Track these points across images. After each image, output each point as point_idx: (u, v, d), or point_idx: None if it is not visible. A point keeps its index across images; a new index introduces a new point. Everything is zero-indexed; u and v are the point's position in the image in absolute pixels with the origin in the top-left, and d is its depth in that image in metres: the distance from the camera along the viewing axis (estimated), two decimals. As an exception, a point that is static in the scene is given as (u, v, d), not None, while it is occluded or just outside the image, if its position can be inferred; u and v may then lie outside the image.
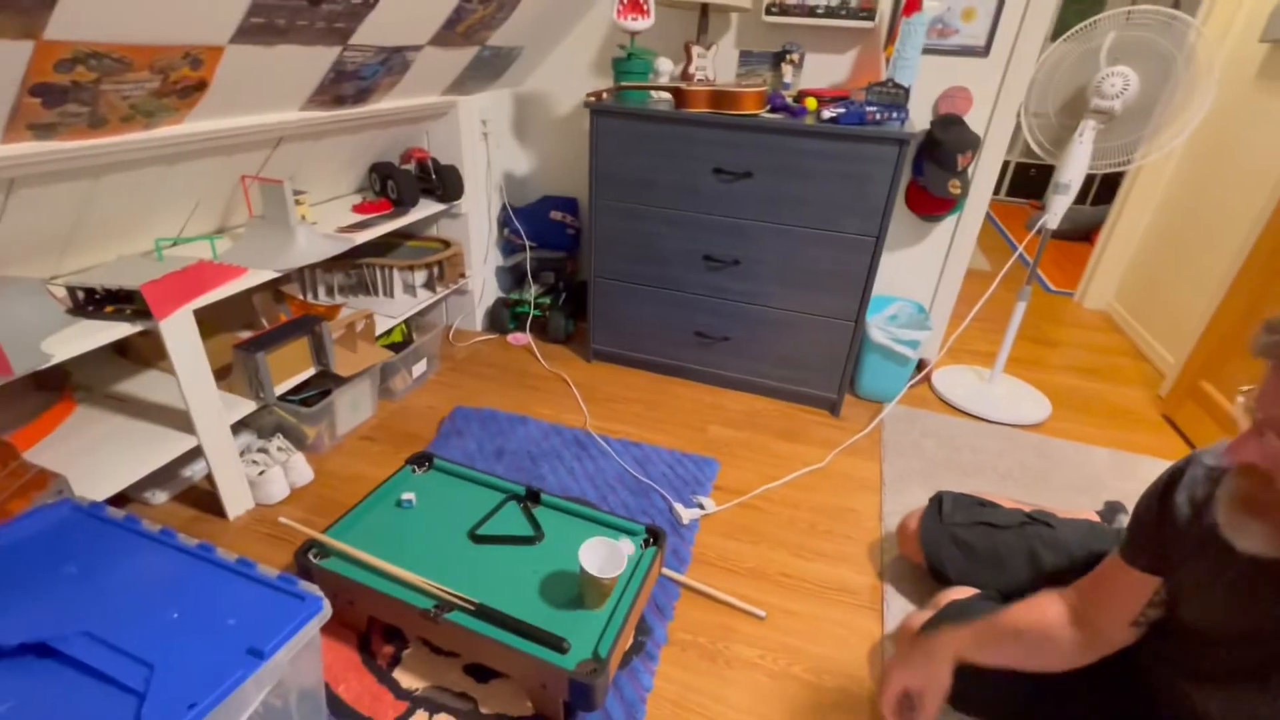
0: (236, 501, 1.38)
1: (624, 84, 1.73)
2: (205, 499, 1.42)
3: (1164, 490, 0.76)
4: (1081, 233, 3.73)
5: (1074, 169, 1.61)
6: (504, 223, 2.26)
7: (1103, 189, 4.43)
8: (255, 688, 0.74)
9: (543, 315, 2.20)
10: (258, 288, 1.46)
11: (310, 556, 1.10)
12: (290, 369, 1.48)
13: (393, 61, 1.46)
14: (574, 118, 2.18)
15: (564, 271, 2.28)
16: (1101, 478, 1.64)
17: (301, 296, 1.81)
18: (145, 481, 1.33)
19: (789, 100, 1.67)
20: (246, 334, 1.54)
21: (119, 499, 1.36)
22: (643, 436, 1.73)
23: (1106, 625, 0.80)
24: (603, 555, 1.03)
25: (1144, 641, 0.81)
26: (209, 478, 1.35)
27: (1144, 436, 1.88)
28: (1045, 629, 0.83)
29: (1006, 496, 1.31)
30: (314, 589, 0.84)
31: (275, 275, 1.33)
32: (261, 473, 1.42)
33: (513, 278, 2.36)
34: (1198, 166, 2.31)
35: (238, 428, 1.51)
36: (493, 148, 2.13)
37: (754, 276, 1.77)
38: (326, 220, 1.67)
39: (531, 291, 2.23)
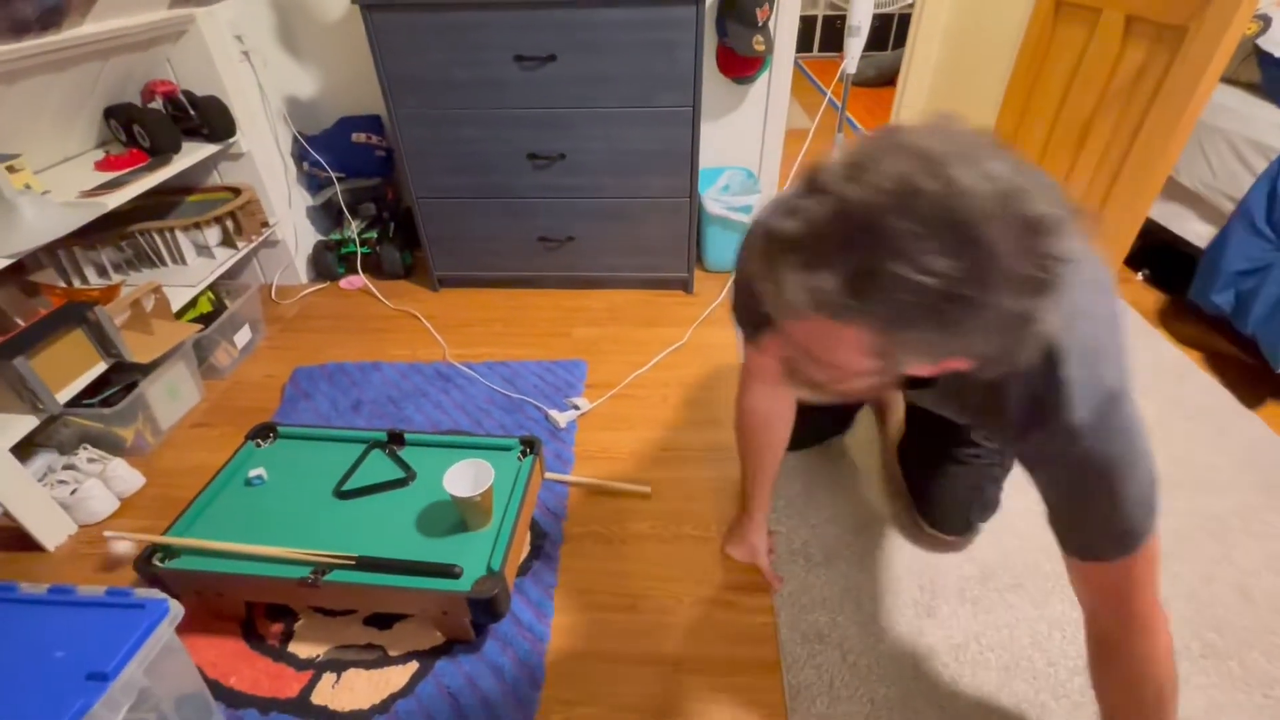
0: (51, 530, 1.20)
1: (391, -30, 1.51)
2: (13, 536, 1.22)
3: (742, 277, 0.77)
4: (887, 78, 3.95)
5: (861, 11, 1.66)
6: (300, 156, 1.99)
7: (900, 34, 4.67)
8: (109, 711, 0.68)
9: (373, 252, 2.02)
10: (-9, 283, 1.20)
11: (155, 561, 1.00)
12: (70, 369, 1.26)
13: (79, -32, 1.17)
14: (350, 20, 1.89)
15: (385, 199, 2.08)
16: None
17: (62, 284, 1.52)
18: (-81, 537, 1.11)
19: (578, -32, 1.55)
20: None
21: (-109, 565, 1.13)
22: (508, 354, 1.69)
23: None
24: (470, 476, 1.02)
25: None
26: (6, 513, 1.16)
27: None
28: (763, 417, 0.98)
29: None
30: (154, 593, 0.76)
31: (5, 262, 1.10)
32: (74, 491, 1.24)
33: (329, 216, 2.12)
34: (970, -4, 2.48)
35: (28, 449, 1.29)
36: (261, 70, 1.82)
37: (583, 169, 1.71)
38: (63, 186, 1.38)
39: (354, 228, 2.02)
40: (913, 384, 0.72)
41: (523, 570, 1.11)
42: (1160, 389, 1.48)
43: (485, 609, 0.96)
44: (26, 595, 0.76)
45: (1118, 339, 0.62)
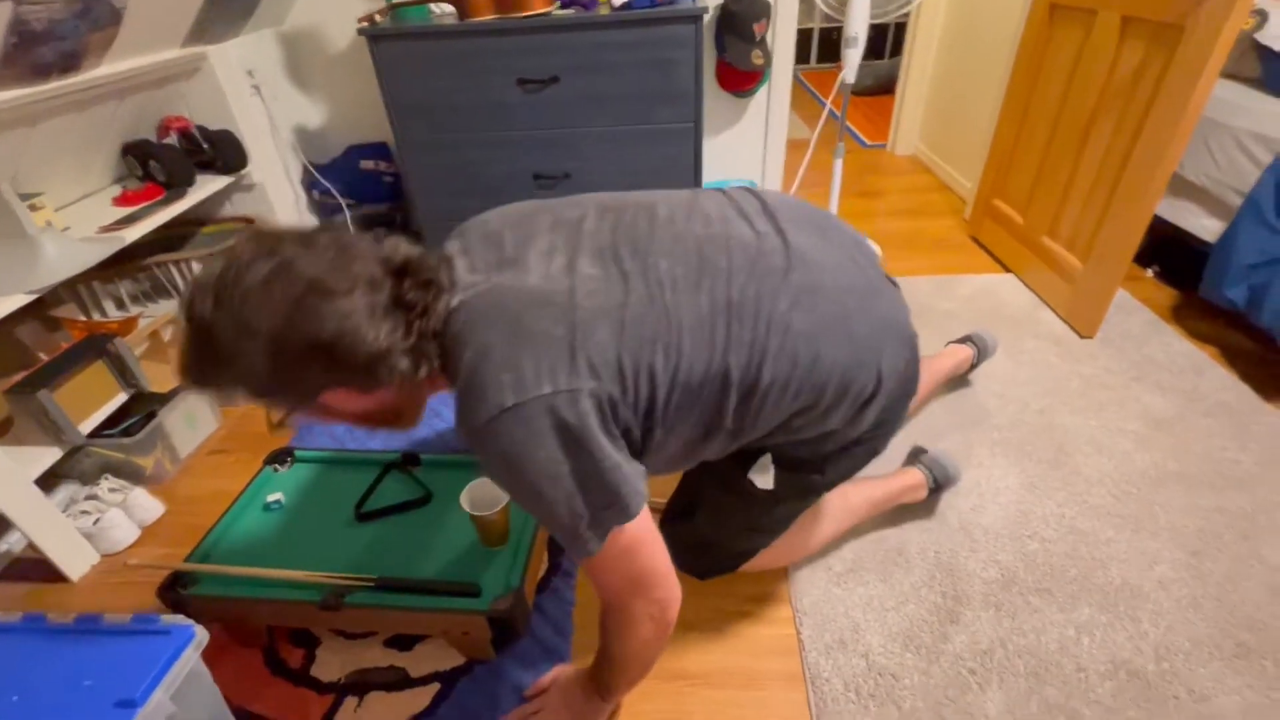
0: (75, 560, 1.21)
1: (397, 1, 1.56)
2: (38, 568, 1.24)
3: None
4: (884, 86, 3.97)
5: (858, 21, 1.68)
6: (310, 185, 2.03)
7: (896, 42, 4.72)
8: (138, 736, 0.68)
9: (383, 276, 2.04)
10: (15, 320, 1.22)
11: (178, 589, 1.01)
12: (92, 400, 1.28)
13: (95, 11, 1.20)
14: (355, 51, 1.94)
15: (395, 224, 2.11)
16: (927, 302, 1.84)
17: (82, 318, 1.55)
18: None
19: (578, -8, 1.58)
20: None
21: (-81, 600, 1.15)
22: (518, 373, 1.69)
23: None
24: (487, 494, 1.03)
25: None
26: (31, 545, 1.17)
27: (958, 258, 2.11)
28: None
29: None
30: (179, 619, 0.77)
31: (29, 298, 1.12)
32: (96, 521, 1.25)
33: (339, 243, 2.15)
34: (962, 3, 2.50)
35: (52, 480, 1.31)
36: (271, 102, 1.87)
37: (589, 187, 1.73)
38: (83, 222, 1.42)
39: (363, 254, 2.04)
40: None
41: (542, 587, 1.11)
42: (1177, 386, 1.47)
43: (505, 627, 0.96)
44: (55, 626, 0.77)
45: (528, 361, 0.64)
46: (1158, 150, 1.40)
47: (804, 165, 2.05)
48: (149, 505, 1.34)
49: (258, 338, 0.57)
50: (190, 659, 0.75)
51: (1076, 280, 1.68)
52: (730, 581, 1.07)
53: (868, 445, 0.84)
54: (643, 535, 0.71)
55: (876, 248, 2.15)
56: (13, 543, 1.27)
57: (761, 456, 0.84)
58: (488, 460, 0.66)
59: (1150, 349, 1.60)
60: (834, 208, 2.07)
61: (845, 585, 1.10)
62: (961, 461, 1.22)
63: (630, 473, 0.68)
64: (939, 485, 1.18)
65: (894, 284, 0.86)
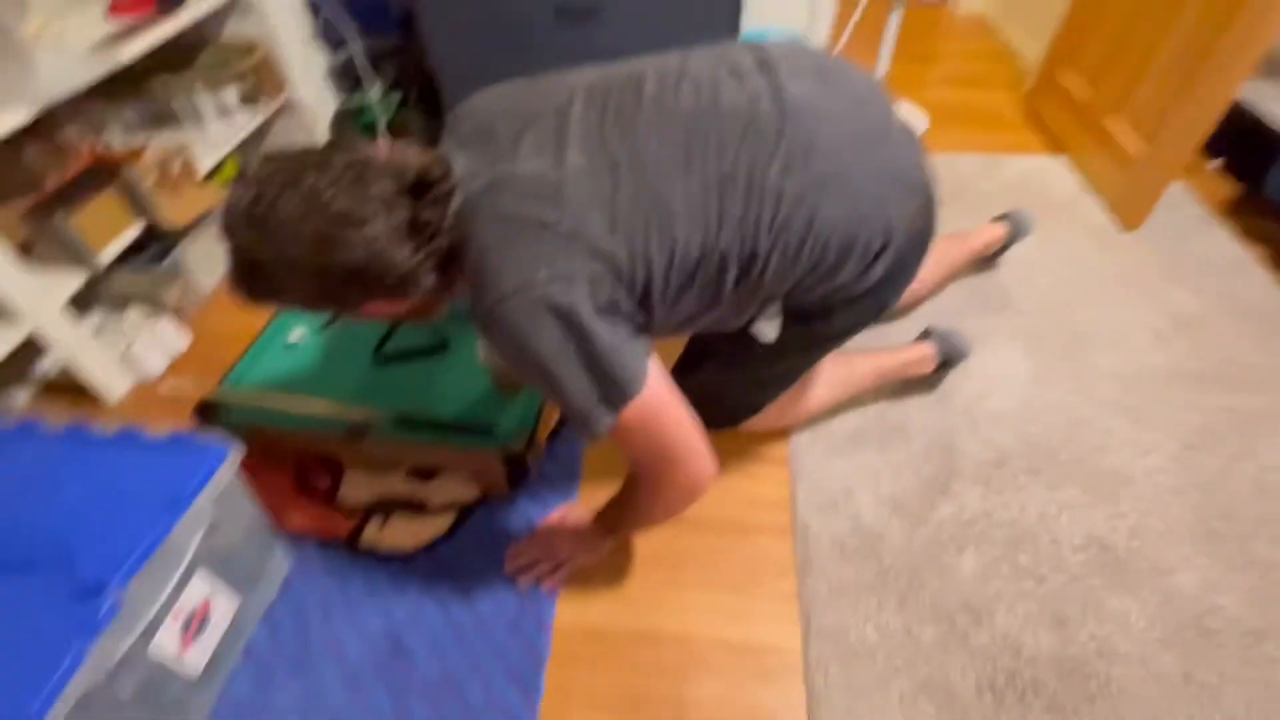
0: (110, 384, 1.28)
1: None
2: (76, 390, 1.30)
3: None
4: (959, -72, 3.48)
5: None
6: (316, 4, 1.86)
7: None
8: (185, 535, 0.75)
9: (394, 119, 1.94)
10: (18, 144, 1.18)
11: (209, 415, 1.06)
12: (108, 230, 1.28)
13: None
14: None
15: (408, 61, 1.96)
16: (967, 183, 1.74)
17: (89, 140, 1.49)
18: (-8, 384, 1.19)
19: None
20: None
21: (-29, 408, 1.22)
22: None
23: None
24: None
25: None
26: (69, 368, 1.23)
27: (1009, 136, 1.97)
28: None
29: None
30: (216, 436, 0.82)
31: (29, 117, 1.08)
32: (127, 348, 1.30)
33: (348, 80, 2.02)
34: None
35: (83, 306, 1.34)
36: (264, -97, 1.66)
37: (615, 25, 1.58)
38: (75, 37, 1.32)
39: (375, 92, 1.93)
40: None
41: (553, 434, 1.17)
42: (1212, 286, 1.42)
43: (519, 466, 1.02)
44: (98, 437, 0.82)
45: (524, 251, 0.67)
46: (1259, 16, 1.25)
47: (855, 17, 1.85)
48: (175, 337, 1.38)
49: (299, 270, 0.64)
50: (228, 471, 0.80)
51: (1132, 166, 1.57)
52: (732, 439, 1.11)
53: (877, 297, 0.84)
54: (659, 410, 0.72)
55: (922, 116, 2.00)
56: (46, 367, 1.33)
57: (768, 306, 0.84)
58: (497, 347, 0.71)
59: (1193, 246, 1.53)
60: (882, 71, 1.90)
61: (843, 454, 1.14)
62: (974, 344, 1.22)
63: (632, 352, 0.70)
64: (948, 360, 1.18)
65: (907, 127, 0.80)
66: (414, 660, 0.91)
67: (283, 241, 0.63)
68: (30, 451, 0.81)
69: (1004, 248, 1.42)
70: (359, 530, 1.05)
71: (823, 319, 0.85)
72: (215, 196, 1.48)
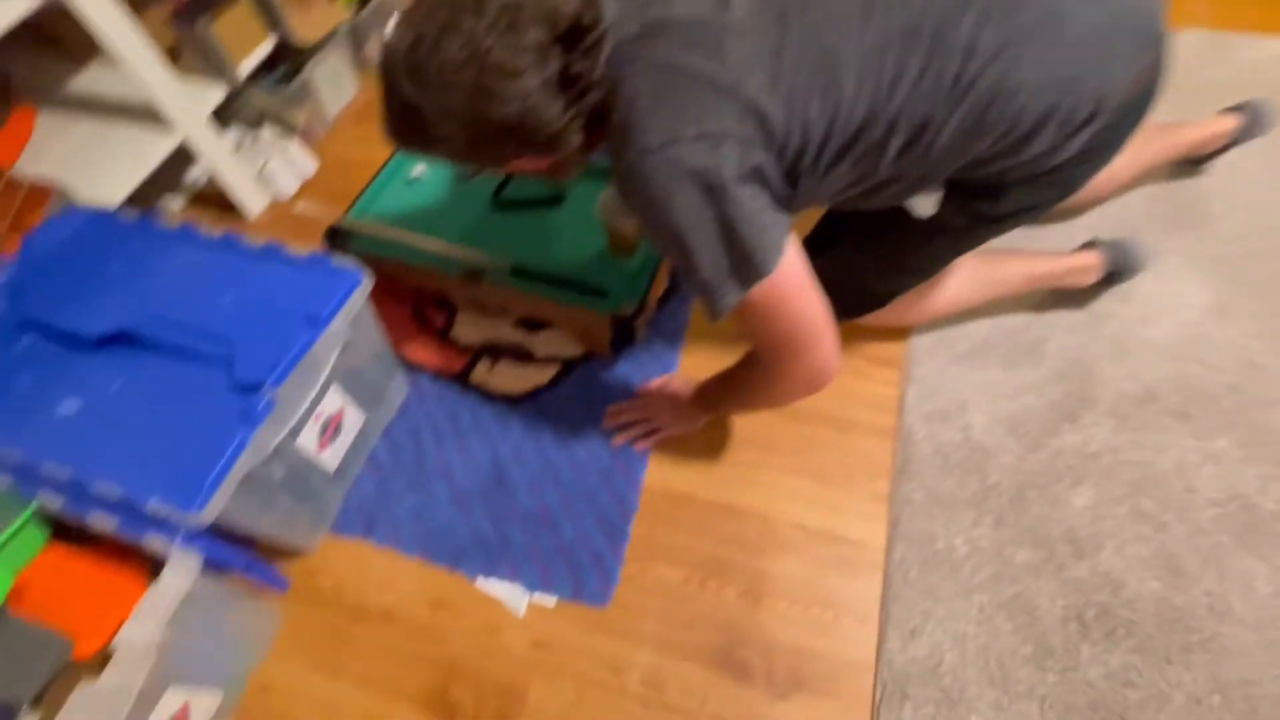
0: (251, 199, 1.35)
1: None
2: (219, 203, 1.39)
3: None
4: None
5: None
6: None
7: None
8: (325, 350, 0.81)
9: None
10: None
11: (338, 240, 1.11)
12: (244, 42, 1.28)
13: None
14: None
15: None
16: (1191, 66, 1.42)
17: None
18: (150, 190, 1.28)
19: None
20: (178, 3, 1.29)
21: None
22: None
23: None
24: (623, 204, 1.00)
25: None
26: (214, 179, 1.30)
27: (1253, 8, 1.57)
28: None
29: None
30: (350, 262, 0.85)
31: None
32: (264, 166, 1.35)
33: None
34: None
35: (223, 120, 1.39)
36: None
37: None
38: None
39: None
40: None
41: (661, 303, 1.15)
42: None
43: (624, 330, 1.01)
44: (250, 248, 0.87)
45: (674, 104, 0.61)
46: None
47: None
48: (304, 160, 1.42)
49: (454, 120, 0.61)
50: (361, 296, 0.84)
51: None
52: (844, 329, 1.06)
53: (1064, 178, 0.73)
54: (791, 292, 0.67)
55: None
56: (195, 177, 1.41)
57: (928, 184, 0.75)
58: (633, 203, 0.66)
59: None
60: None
61: (965, 364, 1.06)
62: (1148, 261, 1.06)
63: (771, 225, 0.64)
64: (1115, 273, 1.04)
65: None
66: (514, 492, 0.99)
67: (440, 90, 0.60)
68: (190, 255, 0.88)
69: (1225, 147, 1.16)
70: (469, 369, 1.11)
71: (990, 197, 0.75)
72: (343, 15, 1.45)
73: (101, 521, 0.70)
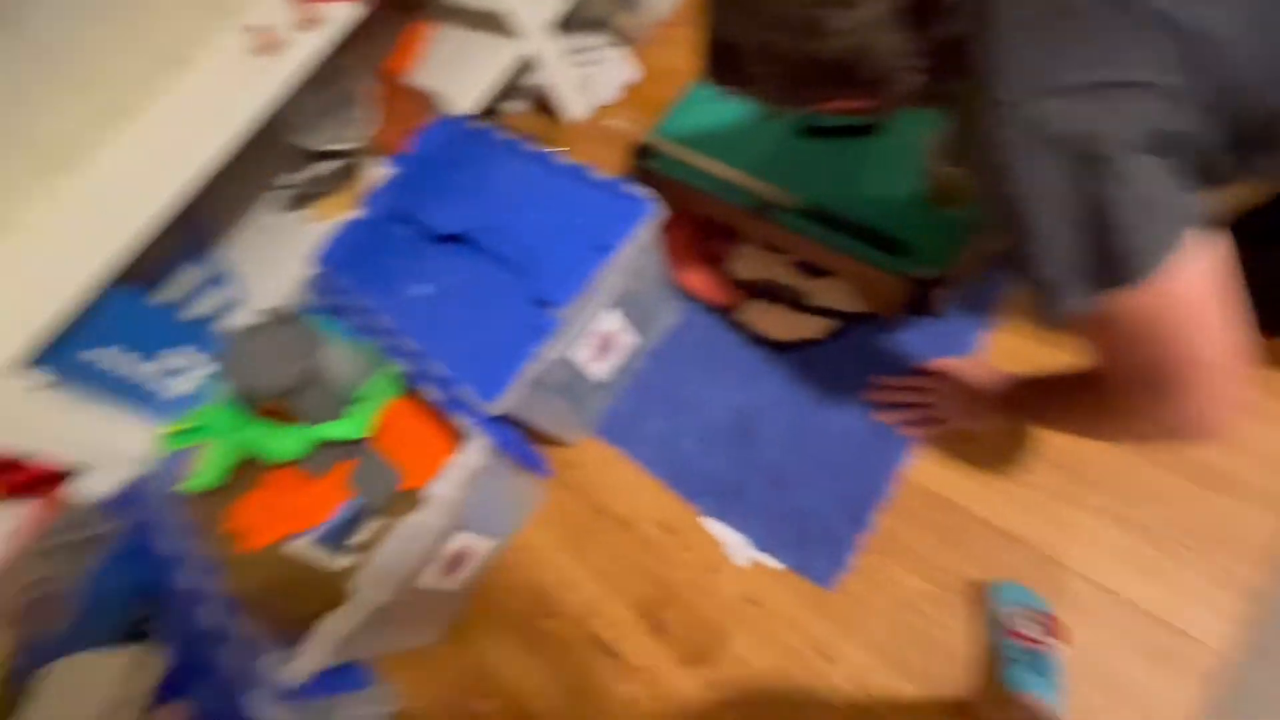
0: (572, 105, 1.43)
1: None
2: (540, 106, 1.50)
3: None
4: None
5: None
6: None
7: None
8: (610, 275, 0.85)
9: None
10: None
11: (643, 157, 1.12)
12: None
13: None
14: None
15: None
16: None
17: None
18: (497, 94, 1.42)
19: None
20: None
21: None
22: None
23: None
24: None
25: None
26: (545, 85, 1.40)
27: None
28: None
29: None
30: (644, 191, 0.86)
31: None
32: (594, 70, 1.42)
33: None
34: None
35: (565, 28, 1.47)
36: None
37: None
38: None
39: None
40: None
41: (978, 278, 0.95)
42: None
43: (921, 296, 0.86)
44: (561, 167, 0.93)
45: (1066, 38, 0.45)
46: None
47: None
48: (627, 67, 1.45)
49: (774, 58, 0.56)
50: (650, 226, 0.85)
51: None
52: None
53: None
54: (1175, 310, 0.47)
55: None
56: (529, 82, 1.53)
57: None
58: (973, 162, 0.52)
59: None
60: None
61: None
62: None
63: (1166, 213, 0.45)
64: None
65: None
66: (759, 444, 0.96)
67: (764, 23, 0.54)
68: (514, 168, 0.97)
69: None
70: (739, 305, 1.07)
71: None
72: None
73: (430, 393, 0.87)
